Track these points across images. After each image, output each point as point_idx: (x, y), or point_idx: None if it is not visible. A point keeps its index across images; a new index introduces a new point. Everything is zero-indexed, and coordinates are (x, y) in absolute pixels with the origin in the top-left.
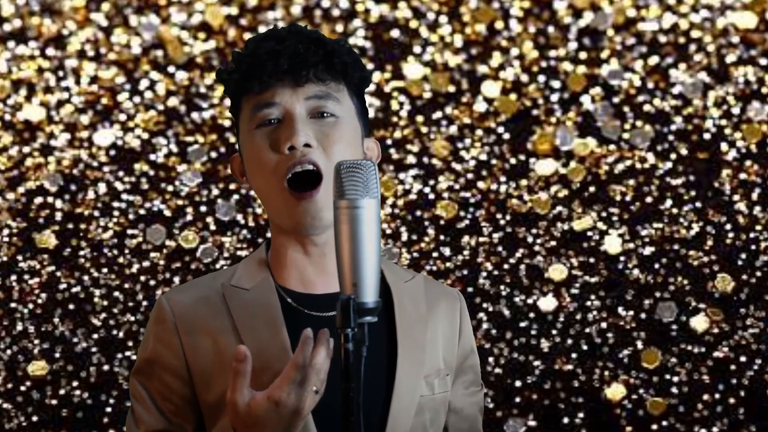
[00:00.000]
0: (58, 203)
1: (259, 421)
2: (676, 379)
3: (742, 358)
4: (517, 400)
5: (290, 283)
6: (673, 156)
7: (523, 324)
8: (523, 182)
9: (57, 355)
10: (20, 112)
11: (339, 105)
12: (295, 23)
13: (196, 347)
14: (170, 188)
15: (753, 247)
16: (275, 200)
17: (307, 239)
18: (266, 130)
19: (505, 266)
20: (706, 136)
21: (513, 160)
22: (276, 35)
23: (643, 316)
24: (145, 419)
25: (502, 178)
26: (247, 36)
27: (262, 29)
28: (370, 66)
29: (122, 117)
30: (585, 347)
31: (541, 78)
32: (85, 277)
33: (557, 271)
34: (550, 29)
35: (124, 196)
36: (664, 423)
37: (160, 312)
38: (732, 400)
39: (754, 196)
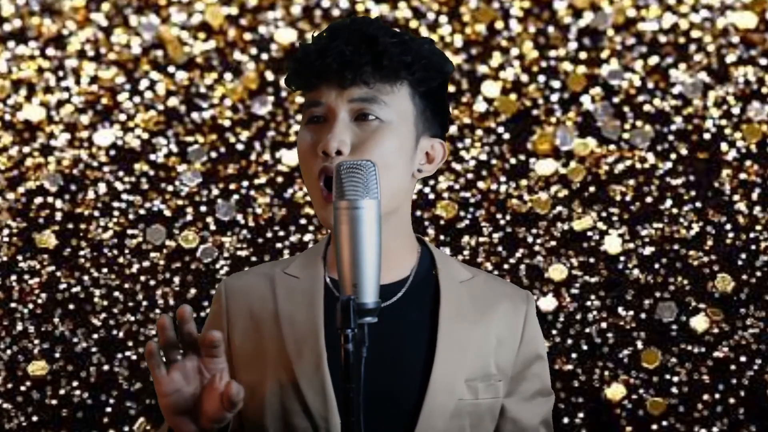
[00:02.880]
0: (58, 203)
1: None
2: (676, 379)
3: (742, 358)
4: None
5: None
6: (673, 156)
7: None
8: (523, 182)
9: (57, 355)
10: (20, 112)
11: (386, 108)
12: (366, 16)
13: (239, 331)
14: (170, 188)
15: (753, 247)
16: (313, 196)
17: None
18: (312, 129)
19: (505, 266)
20: (706, 136)
21: (513, 160)
22: (333, 31)
23: (643, 316)
24: None
25: (502, 178)
26: (247, 36)
27: (262, 29)
28: None
29: (122, 117)
30: (585, 347)
31: (541, 78)
32: (85, 277)
33: (557, 271)
34: (550, 29)
35: (124, 196)
36: (664, 423)
37: (217, 295)
38: (732, 400)
39: (754, 196)
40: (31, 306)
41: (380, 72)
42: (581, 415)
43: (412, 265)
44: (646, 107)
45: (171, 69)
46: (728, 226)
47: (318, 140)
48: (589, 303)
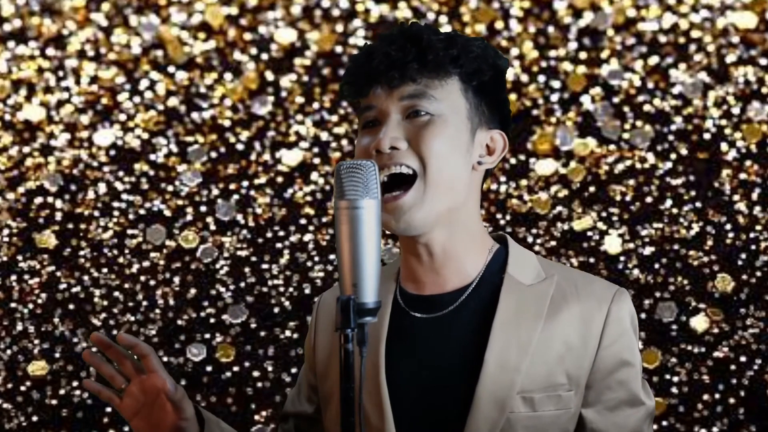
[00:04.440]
0: (58, 203)
1: None
2: (676, 379)
3: (742, 358)
4: None
5: (407, 284)
6: (673, 156)
7: None
8: (523, 182)
9: (57, 355)
10: (20, 112)
11: (436, 102)
12: (416, 21)
13: (320, 342)
14: (170, 188)
15: (753, 247)
16: None
17: (413, 240)
18: (367, 132)
19: None
20: (706, 136)
21: (513, 160)
22: (380, 37)
23: (643, 316)
24: (288, 400)
25: (502, 178)
26: (248, 36)
27: (262, 29)
28: None
29: (122, 117)
30: None
31: (541, 78)
32: (85, 277)
33: None
34: (550, 29)
35: (124, 196)
36: (664, 423)
37: (313, 309)
38: (732, 400)
39: (754, 196)
40: (31, 306)
41: (426, 67)
42: None
43: (479, 269)
44: (646, 107)
45: (171, 69)
46: (728, 226)
47: (369, 144)
48: None
